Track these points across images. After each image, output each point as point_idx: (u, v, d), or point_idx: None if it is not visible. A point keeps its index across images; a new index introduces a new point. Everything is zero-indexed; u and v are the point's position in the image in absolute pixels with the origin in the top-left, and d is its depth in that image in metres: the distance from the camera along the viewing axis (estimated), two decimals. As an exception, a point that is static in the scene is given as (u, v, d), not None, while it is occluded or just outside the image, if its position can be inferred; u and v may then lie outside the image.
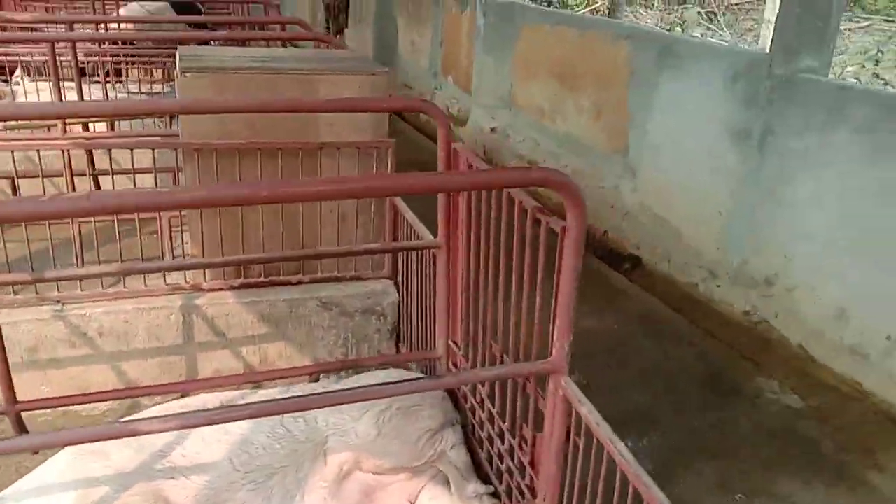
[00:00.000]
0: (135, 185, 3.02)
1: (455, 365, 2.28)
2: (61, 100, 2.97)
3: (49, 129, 3.46)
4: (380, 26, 9.26)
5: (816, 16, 2.99)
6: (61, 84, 3.23)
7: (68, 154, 2.70)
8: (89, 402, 2.37)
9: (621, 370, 3.03)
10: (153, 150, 2.62)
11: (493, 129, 6.33)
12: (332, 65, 2.66)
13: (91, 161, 3.17)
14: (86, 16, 4.87)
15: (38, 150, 2.49)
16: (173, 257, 2.70)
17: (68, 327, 2.49)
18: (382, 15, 9.17)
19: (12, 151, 2.58)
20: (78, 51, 4.68)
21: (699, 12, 8.41)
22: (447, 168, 2.15)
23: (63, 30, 4.33)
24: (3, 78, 4.76)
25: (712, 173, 3.68)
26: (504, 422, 1.91)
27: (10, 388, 1.94)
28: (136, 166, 2.63)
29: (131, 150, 2.62)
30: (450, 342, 2.28)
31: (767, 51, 3.26)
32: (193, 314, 2.61)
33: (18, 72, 4.88)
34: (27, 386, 2.51)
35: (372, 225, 2.77)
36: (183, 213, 2.66)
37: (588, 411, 1.43)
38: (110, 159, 2.75)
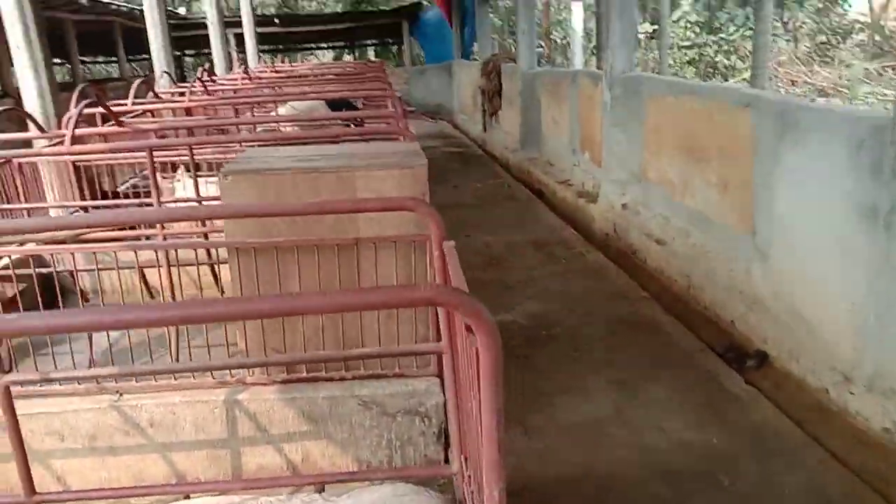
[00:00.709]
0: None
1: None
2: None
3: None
4: (525, 106, 9.34)
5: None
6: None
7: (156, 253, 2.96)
8: (109, 498, 2.44)
9: (706, 499, 2.56)
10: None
11: (623, 206, 5.98)
12: (372, 160, 2.65)
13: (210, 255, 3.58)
14: (224, 119, 5.38)
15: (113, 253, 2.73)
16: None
17: (122, 416, 2.62)
18: (528, 95, 9.26)
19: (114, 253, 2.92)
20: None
21: (866, 68, 7.44)
22: (442, 265, 1.99)
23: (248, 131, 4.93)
24: (169, 174, 5.45)
25: (842, 257, 3.11)
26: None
27: (29, 479, 2.04)
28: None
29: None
30: (461, 457, 2.06)
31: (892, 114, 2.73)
32: (237, 409, 2.64)
33: (181, 169, 5.54)
34: (88, 471, 2.68)
35: (414, 322, 2.66)
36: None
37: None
38: (215, 256, 3.03)
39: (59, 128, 4.65)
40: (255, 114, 7.11)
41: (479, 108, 12.46)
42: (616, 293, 4.65)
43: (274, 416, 2.65)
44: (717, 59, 11.98)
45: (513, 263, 5.32)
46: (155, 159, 5.24)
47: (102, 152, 3.55)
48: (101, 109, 5.24)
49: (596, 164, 6.86)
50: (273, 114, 7.59)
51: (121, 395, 2.64)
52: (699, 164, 4.71)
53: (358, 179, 2.56)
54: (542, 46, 19.03)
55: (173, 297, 3.45)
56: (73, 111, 3.50)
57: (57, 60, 16.21)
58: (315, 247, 2.55)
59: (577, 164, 7.63)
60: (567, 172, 7.90)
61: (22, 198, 4.29)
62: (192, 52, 18.99)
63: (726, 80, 11.93)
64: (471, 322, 1.20)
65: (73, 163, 4.51)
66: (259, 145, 3.86)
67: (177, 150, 4.18)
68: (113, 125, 4.68)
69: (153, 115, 6.77)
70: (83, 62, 21.24)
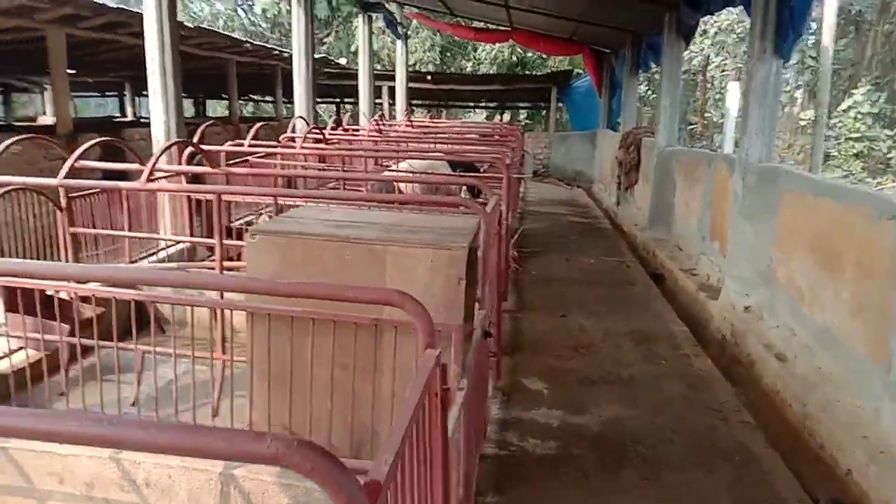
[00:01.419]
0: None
1: None
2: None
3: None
4: (659, 183, 8.80)
5: None
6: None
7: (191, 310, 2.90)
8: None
9: None
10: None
11: (746, 308, 5.31)
12: (412, 235, 2.41)
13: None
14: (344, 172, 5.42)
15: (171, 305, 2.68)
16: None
17: (121, 471, 2.51)
18: (662, 172, 8.73)
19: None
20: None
21: None
22: (430, 373, 1.68)
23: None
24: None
25: None
26: None
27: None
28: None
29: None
30: None
31: None
32: (232, 484, 2.44)
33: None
34: (83, 520, 2.58)
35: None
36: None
37: None
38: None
39: (179, 162, 4.88)
40: (373, 168, 7.16)
41: (616, 179, 11.99)
42: (714, 411, 4.04)
43: (268, 499, 2.42)
44: (889, 156, 10.66)
45: (605, 355, 4.83)
46: (252, 201, 5.35)
47: (177, 192, 3.61)
48: (243, 146, 5.46)
49: (724, 255, 6.22)
50: (392, 168, 7.62)
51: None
52: (832, 274, 4.05)
53: (388, 255, 2.33)
54: (694, 123, 18.22)
55: (223, 343, 3.39)
56: (157, 151, 3.59)
57: (225, 97, 17.74)
58: (332, 321, 2.34)
59: (704, 253, 6.98)
60: (693, 260, 7.25)
61: (126, 225, 4.47)
62: (350, 100, 20.07)
63: (900, 178, 10.61)
64: (329, 493, 0.89)
65: (189, 197, 4.70)
66: (336, 202, 3.79)
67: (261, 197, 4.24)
68: (235, 164, 4.81)
69: (282, 158, 7.02)
70: (253, 100, 23.17)
